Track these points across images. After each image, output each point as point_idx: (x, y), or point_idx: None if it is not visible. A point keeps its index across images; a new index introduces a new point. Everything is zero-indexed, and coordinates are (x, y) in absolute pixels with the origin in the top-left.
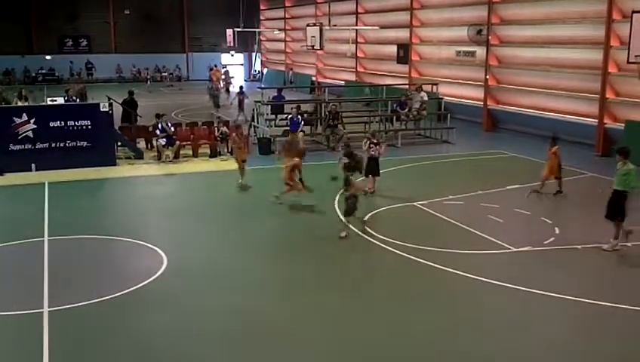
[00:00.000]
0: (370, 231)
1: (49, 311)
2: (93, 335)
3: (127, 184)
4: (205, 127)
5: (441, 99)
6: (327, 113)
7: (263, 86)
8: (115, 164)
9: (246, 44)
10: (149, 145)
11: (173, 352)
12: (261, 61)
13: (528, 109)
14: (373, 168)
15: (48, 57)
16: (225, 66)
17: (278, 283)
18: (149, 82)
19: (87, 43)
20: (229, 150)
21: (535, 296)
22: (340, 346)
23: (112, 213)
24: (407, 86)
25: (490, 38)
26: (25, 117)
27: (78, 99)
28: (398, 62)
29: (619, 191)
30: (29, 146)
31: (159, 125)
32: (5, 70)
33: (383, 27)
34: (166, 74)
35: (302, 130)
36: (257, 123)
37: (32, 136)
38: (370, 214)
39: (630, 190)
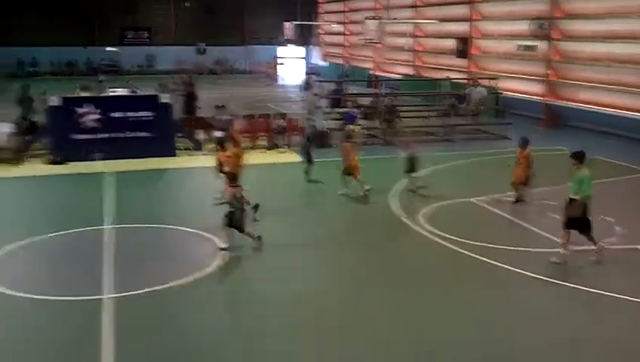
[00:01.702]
0: (429, 226)
1: (112, 298)
2: (155, 322)
3: (186, 175)
4: (263, 119)
5: (500, 93)
6: (383, 107)
7: (320, 79)
8: (174, 155)
9: (305, 37)
10: (207, 137)
11: (235, 341)
12: (319, 54)
13: (589, 105)
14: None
15: (110, 49)
16: (280, 59)
17: (337, 274)
18: (205, 74)
19: (148, 35)
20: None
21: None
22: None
23: (172, 203)
24: (464, 80)
25: (552, 31)
26: (89, 107)
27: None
28: (457, 56)
29: (575, 200)
30: (92, 136)
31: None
32: (68, 61)
33: (442, 20)
34: (218, 67)
35: (358, 124)
36: (313, 116)
37: (95, 125)
38: (426, 209)
39: (585, 199)
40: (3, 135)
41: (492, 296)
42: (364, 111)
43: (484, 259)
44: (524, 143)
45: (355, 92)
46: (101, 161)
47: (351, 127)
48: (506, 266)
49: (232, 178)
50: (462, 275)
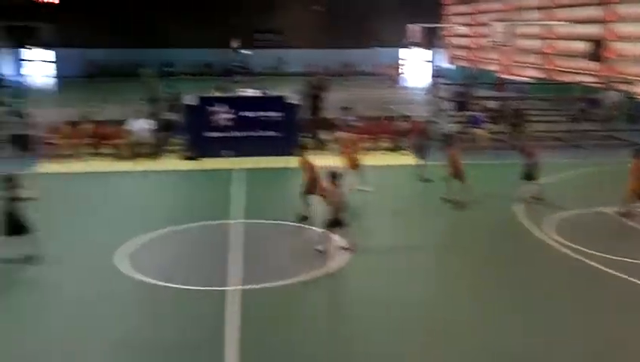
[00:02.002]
0: (556, 236)
1: (238, 290)
2: (276, 316)
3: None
4: (387, 121)
5: (635, 98)
6: (510, 110)
7: (446, 81)
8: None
9: (430, 40)
10: (331, 137)
11: (364, 339)
12: (445, 57)
13: None
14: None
15: (244, 51)
16: (403, 61)
17: (461, 281)
18: (333, 77)
19: (280, 38)
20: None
21: None
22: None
23: (297, 201)
24: (596, 84)
25: None
26: (222, 106)
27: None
28: (589, 60)
29: None
30: (224, 134)
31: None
32: (206, 63)
33: (574, 22)
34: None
35: (483, 128)
36: (438, 118)
37: (227, 124)
38: (552, 218)
39: None
40: (144, 131)
41: (627, 309)
42: (491, 115)
43: (622, 275)
44: (637, 153)
45: (481, 95)
46: (232, 158)
47: (476, 130)
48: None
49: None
50: (596, 292)
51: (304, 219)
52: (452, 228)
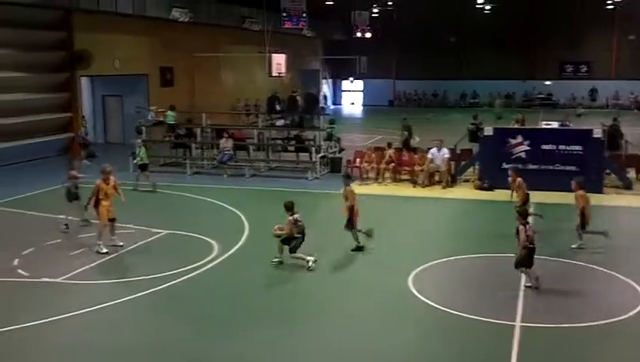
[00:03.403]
0: None
1: (520, 326)
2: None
3: (612, 213)
4: None
5: None
6: None
7: None
8: (601, 192)
9: None
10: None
11: None
12: None
13: None
14: None
15: (547, 83)
16: None
17: None
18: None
19: (587, 69)
20: None
21: None
22: None
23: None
24: None
25: None
26: (519, 138)
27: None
28: None
29: None
30: (520, 166)
31: None
32: (507, 94)
33: None
34: None
35: None
36: None
37: (524, 156)
38: None
39: None
40: (442, 159)
41: None
42: None
43: None
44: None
45: None
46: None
47: None
48: None
49: (523, 215)
50: None
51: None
52: None
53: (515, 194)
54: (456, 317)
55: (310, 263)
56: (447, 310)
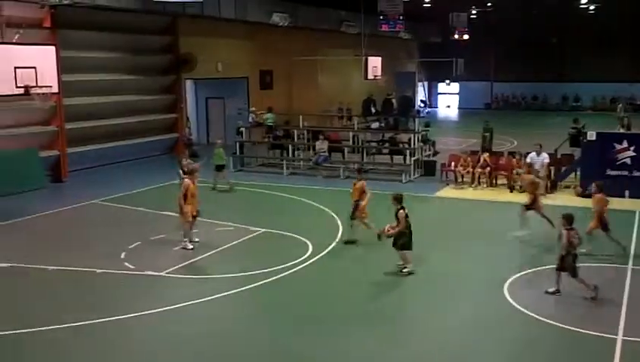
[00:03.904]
0: None
1: (622, 340)
2: None
3: None
4: None
5: None
6: None
7: None
8: None
9: None
10: None
11: None
12: None
13: None
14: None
15: None
16: None
17: None
18: None
19: None
20: None
21: None
22: None
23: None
24: None
25: None
26: (625, 143)
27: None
28: None
29: None
30: (625, 173)
31: None
32: (612, 97)
33: None
34: None
35: None
36: None
37: (629, 163)
38: None
39: None
40: (541, 164)
41: None
42: None
43: None
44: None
45: None
46: (632, 199)
47: None
48: None
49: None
50: None
51: None
52: None
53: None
54: (556, 329)
55: (406, 269)
56: (546, 320)
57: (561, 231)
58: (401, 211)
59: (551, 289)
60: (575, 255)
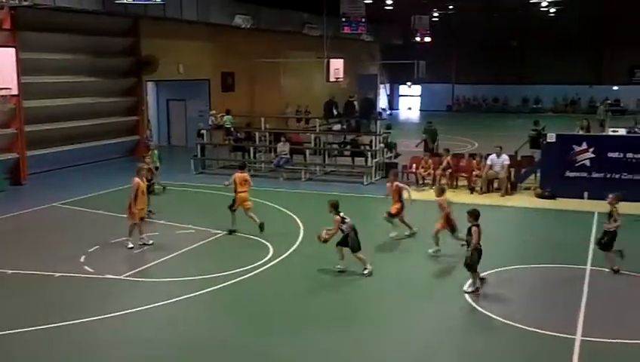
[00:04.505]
0: None
1: (581, 340)
2: None
3: None
4: None
5: None
6: None
7: None
8: None
9: None
10: None
11: None
12: None
13: None
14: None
15: (615, 88)
16: None
17: None
18: None
19: None
20: None
21: None
22: None
23: None
24: None
25: None
26: (584, 145)
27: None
28: None
29: None
30: (584, 174)
31: None
32: (572, 99)
33: None
34: None
35: None
36: None
37: (588, 164)
38: None
39: None
40: (500, 166)
41: None
42: None
43: None
44: None
45: None
46: (591, 200)
47: None
48: None
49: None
50: None
51: None
52: None
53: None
54: (516, 329)
55: (367, 271)
56: (506, 321)
57: (470, 228)
58: (337, 217)
59: (470, 289)
60: (480, 251)
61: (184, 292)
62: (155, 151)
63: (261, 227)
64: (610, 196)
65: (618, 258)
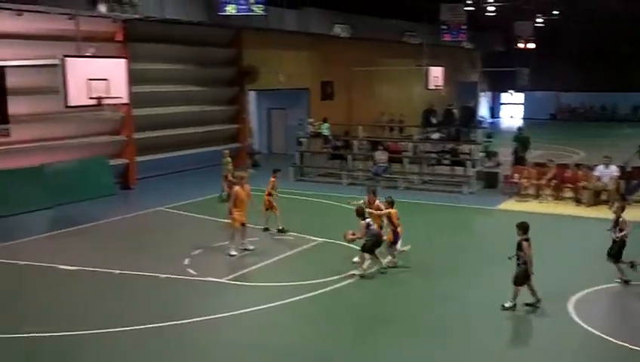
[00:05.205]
0: None
1: None
2: None
3: None
4: None
5: None
6: None
7: None
8: None
9: None
10: None
11: None
12: None
13: None
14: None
15: None
16: None
17: None
18: None
19: None
20: None
21: None
22: None
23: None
24: None
25: None
26: None
27: None
28: None
29: None
30: None
31: None
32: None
33: None
34: None
35: None
36: None
37: None
38: None
39: None
40: (609, 178)
41: None
42: None
43: None
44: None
45: None
46: None
47: None
48: None
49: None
50: None
51: None
52: None
53: None
54: (621, 348)
55: (358, 272)
56: (612, 339)
57: (520, 242)
58: (362, 222)
59: (529, 301)
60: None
61: (282, 298)
62: (229, 158)
63: (266, 230)
64: (616, 205)
65: (630, 269)
